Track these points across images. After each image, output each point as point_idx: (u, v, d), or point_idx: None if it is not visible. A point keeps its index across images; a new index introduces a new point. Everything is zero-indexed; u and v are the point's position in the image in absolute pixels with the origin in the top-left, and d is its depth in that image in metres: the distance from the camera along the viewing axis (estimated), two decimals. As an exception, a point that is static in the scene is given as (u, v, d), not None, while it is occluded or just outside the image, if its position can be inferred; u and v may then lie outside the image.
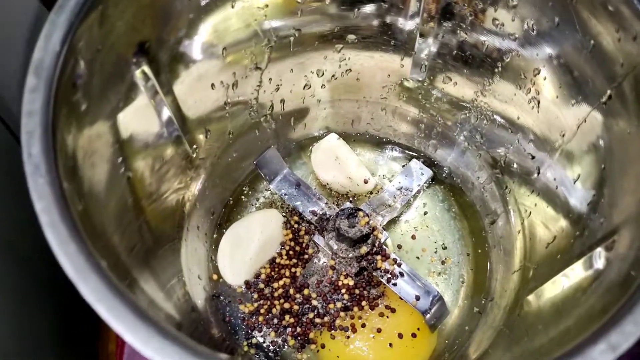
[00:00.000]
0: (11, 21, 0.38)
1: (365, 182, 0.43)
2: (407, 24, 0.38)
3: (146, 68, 0.32)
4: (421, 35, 0.38)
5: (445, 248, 0.42)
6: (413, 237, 0.43)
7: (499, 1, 0.33)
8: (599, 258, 0.27)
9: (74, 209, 0.22)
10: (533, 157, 0.36)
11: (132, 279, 0.27)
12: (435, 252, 0.42)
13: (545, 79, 0.33)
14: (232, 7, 0.35)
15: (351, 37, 0.40)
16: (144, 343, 0.19)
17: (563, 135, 0.33)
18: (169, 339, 0.20)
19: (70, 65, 0.25)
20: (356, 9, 0.38)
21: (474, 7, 0.35)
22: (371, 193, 0.44)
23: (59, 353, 0.66)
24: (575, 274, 0.29)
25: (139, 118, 0.33)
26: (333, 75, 0.43)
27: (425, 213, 0.44)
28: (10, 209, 0.59)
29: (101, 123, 0.28)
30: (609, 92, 0.29)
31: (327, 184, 0.44)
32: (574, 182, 0.32)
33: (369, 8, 0.38)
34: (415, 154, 0.46)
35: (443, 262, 0.42)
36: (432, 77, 0.41)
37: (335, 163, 0.43)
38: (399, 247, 0.42)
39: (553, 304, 0.30)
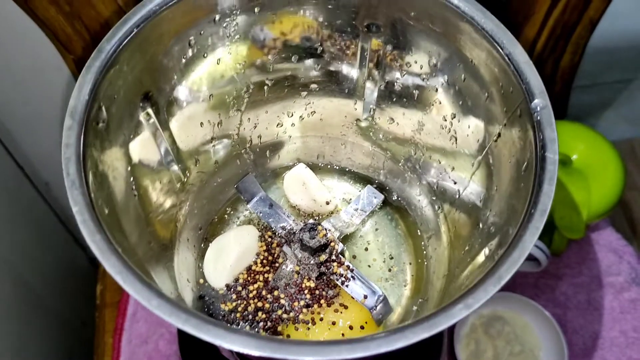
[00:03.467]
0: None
1: (327, 203, 0.52)
2: (356, 76, 0.47)
3: (149, 110, 0.41)
4: (367, 84, 0.48)
5: (392, 258, 0.51)
6: (366, 249, 0.52)
7: (424, 60, 0.43)
8: (485, 253, 0.36)
9: (99, 211, 0.31)
10: (455, 183, 0.46)
11: (145, 271, 0.36)
12: (384, 262, 0.51)
13: (459, 121, 0.43)
14: (218, 63, 0.44)
15: (314, 86, 0.49)
16: (148, 301, 0.28)
17: (473, 165, 0.43)
18: (165, 299, 0.28)
19: (95, 110, 0.35)
20: (316, 65, 0.47)
21: (406, 66, 0.45)
22: (332, 213, 0.53)
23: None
24: (472, 267, 0.38)
25: (144, 148, 0.42)
26: (301, 116, 0.52)
27: (377, 229, 0.53)
28: (15, 236, 0.67)
29: (118, 149, 0.37)
30: (498, 131, 0.39)
31: (296, 205, 0.53)
32: (481, 200, 0.42)
33: (327, 65, 0.47)
34: (369, 181, 0.55)
35: (390, 270, 0.51)
36: (379, 118, 0.50)
37: (302, 188, 0.53)
38: (354, 257, 0.51)
39: (456, 290, 0.39)
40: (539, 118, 0.34)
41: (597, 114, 0.81)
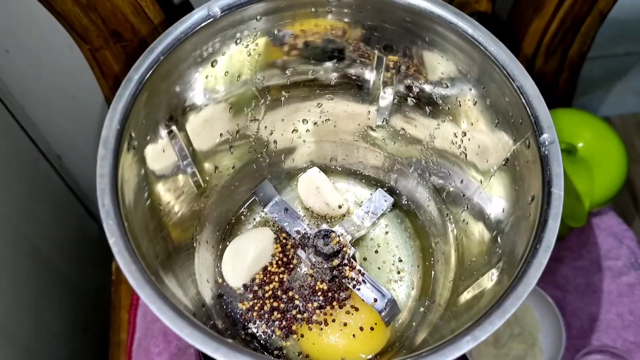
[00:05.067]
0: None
1: (340, 207, 0.55)
2: (372, 82, 0.49)
3: (173, 127, 0.43)
4: (382, 93, 0.49)
5: (401, 261, 0.54)
6: (376, 251, 0.54)
7: (436, 80, 0.45)
8: (492, 276, 0.39)
9: (131, 234, 0.33)
10: (463, 195, 0.48)
11: (159, 277, 0.39)
12: (393, 264, 0.54)
13: (469, 140, 0.45)
14: (237, 79, 0.46)
15: (328, 96, 0.51)
16: (181, 330, 0.31)
17: (481, 182, 0.45)
18: (196, 327, 0.31)
19: (126, 138, 0.37)
20: (335, 68, 0.49)
21: (419, 82, 0.46)
22: (344, 216, 0.55)
23: (73, 342, 0.76)
24: (478, 285, 0.40)
25: (166, 161, 0.44)
26: (315, 123, 0.54)
27: (387, 232, 0.55)
28: (31, 210, 0.69)
29: (142, 166, 0.39)
30: (506, 156, 0.41)
31: (310, 207, 0.55)
32: (487, 218, 0.44)
33: (346, 68, 0.49)
34: (380, 185, 0.57)
35: (399, 272, 0.53)
36: (391, 127, 0.52)
37: (316, 191, 0.55)
38: (365, 259, 0.54)
39: (465, 305, 0.41)
40: (546, 152, 0.36)
41: (606, 86, 0.81)
